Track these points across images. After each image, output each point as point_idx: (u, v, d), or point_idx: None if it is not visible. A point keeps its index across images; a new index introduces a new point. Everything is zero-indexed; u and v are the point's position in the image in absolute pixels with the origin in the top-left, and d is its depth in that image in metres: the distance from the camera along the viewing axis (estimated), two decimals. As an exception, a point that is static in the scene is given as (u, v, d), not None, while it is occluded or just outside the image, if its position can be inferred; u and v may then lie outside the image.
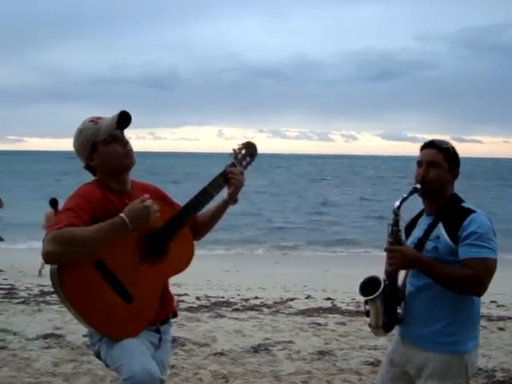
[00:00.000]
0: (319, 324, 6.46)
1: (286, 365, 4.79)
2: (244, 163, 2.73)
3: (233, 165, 2.68)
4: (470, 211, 2.46)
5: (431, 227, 2.53)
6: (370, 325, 2.64)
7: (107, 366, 2.42)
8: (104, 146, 2.45)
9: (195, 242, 2.66)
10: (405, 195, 2.51)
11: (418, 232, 2.62)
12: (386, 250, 2.51)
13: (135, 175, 2.63)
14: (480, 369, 4.61)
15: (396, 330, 2.68)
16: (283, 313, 7.42)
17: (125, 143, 2.47)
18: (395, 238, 2.50)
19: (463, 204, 2.53)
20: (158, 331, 2.51)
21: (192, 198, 2.55)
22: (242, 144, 2.77)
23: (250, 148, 2.76)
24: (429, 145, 2.59)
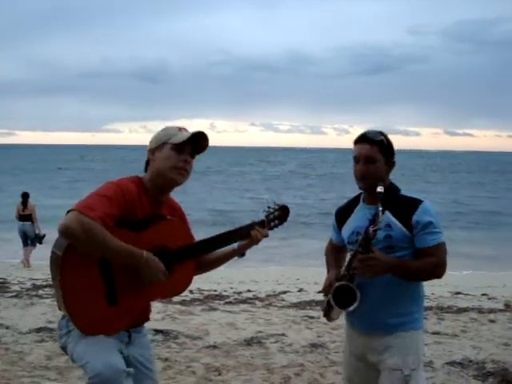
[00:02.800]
0: (312, 317, 6.48)
1: (278, 357, 4.81)
2: (272, 224, 2.71)
3: (262, 222, 2.66)
4: (417, 200, 2.56)
5: (377, 217, 2.52)
6: (329, 317, 2.69)
7: (73, 361, 2.40)
8: (167, 150, 2.43)
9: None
10: (380, 208, 2.43)
11: (357, 221, 2.65)
12: (360, 259, 2.45)
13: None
14: (470, 360, 4.66)
15: (347, 325, 2.74)
16: (276, 306, 7.45)
17: (185, 160, 2.43)
18: (366, 246, 2.45)
19: (405, 193, 2.62)
20: (127, 331, 2.49)
21: (213, 237, 2.56)
22: (278, 205, 2.75)
23: (283, 212, 2.74)
24: (363, 139, 2.59)
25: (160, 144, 2.46)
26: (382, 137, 2.59)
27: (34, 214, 12.54)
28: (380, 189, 2.49)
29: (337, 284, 2.57)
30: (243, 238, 2.61)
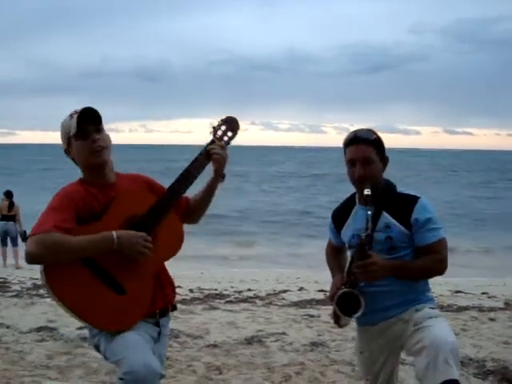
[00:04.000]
0: (312, 316, 6.48)
1: (279, 356, 4.80)
2: (225, 139, 2.60)
3: (212, 142, 2.57)
4: (414, 197, 2.53)
5: (375, 218, 2.51)
6: (339, 324, 2.70)
7: (106, 358, 2.40)
8: (74, 141, 2.43)
9: (193, 225, 2.63)
10: (369, 212, 2.41)
11: (356, 223, 2.61)
12: (359, 265, 2.43)
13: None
14: (471, 359, 4.66)
15: (360, 328, 2.73)
16: (276, 305, 7.45)
17: (93, 140, 2.40)
18: (362, 252, 2.42)
19: (401, 190, 2.59)
20: (157, 324, 2.50)
21: (174, 182, 2.49)
22: (221, 120, 2.63)
23: (230, 123, 2.62)
24: (356, 140, 2.53)
25: (67, 141, 2.46)
26: (375, 135, 2.55)
27: (18, 215, 12.62)
28: (367, 191, 2.44)
29: (339, 292, 2.53)
30: (204, 165, 2.52)
